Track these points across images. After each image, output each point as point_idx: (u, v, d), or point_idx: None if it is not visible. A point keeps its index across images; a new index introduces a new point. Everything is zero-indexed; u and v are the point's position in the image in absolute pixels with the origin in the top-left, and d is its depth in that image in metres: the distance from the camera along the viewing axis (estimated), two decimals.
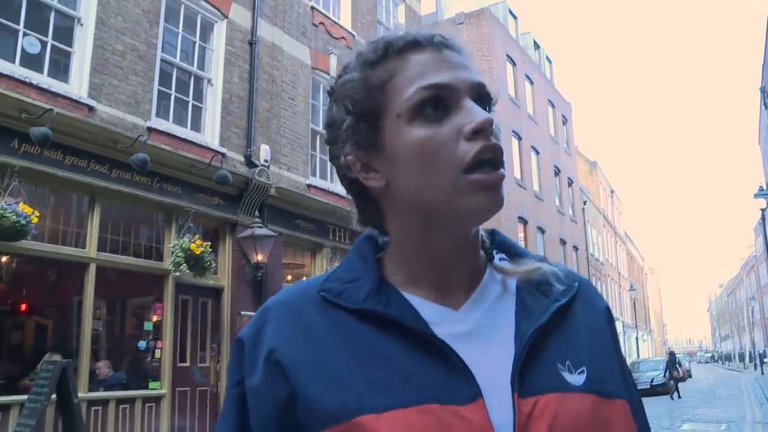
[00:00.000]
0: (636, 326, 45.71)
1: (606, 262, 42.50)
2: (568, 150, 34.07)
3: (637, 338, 46.33)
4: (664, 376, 25.70)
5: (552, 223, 28.71)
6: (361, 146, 0.86)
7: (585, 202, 35.82)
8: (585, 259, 34.06)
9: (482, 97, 0.85)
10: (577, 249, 32.89)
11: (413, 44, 0.86)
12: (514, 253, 0.94)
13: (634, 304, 45.66)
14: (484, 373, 0.78)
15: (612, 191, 51.78)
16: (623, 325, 45.16)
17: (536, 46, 32.34)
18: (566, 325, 0.86)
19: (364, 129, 0.85)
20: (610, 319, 0.94)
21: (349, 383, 0.77)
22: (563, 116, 33.77)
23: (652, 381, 25.95)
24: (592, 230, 38.06)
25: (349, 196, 0.94)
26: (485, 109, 0.84)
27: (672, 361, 25.22)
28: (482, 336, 0.82)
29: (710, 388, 30.25)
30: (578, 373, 0.81)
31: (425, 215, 0.83)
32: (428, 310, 0.83)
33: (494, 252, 0.94)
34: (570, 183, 33.23)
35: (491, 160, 0.80)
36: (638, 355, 43.44)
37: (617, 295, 45.72)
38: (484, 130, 0.80)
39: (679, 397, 23.71)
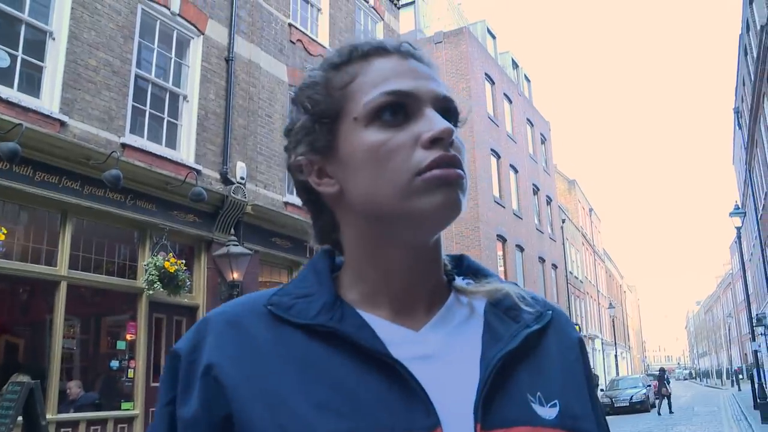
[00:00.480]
0: (615, 344, 45.86)
1: (585, 279, 42.70)
2: (547, 168, 34.31)
3: (616, 356, 46.48)
4: (656, 394, 25.86)
5: (531, 242, 28.81)
6: (315, 149, 0.82)
7: (564, 221, 36.03)
8: (564, 277, 34.20)
9: (448, 111, 0.81)
10: (556, 267, 33.02)
11: (379, 49, 0.83)
12: (482, 276, 0.89)
13: (613, 321, 45.86)
14: (444, 401, 0.72)
15: (591, 209, 52.17)
16: (602, 343, 45.34)
17: (515, 65, 32.63)
18: (538, 354, 0.81)
19: (320, 131, 0.82)
20: (584, 352, 0.89)
21: (294, 407, 0.71)
22: (542, 135, 34.04)
23: (631, 398, 26.08)
24: (571, 248, 38.26)
25: (305, 207, 0.89)
26: (452, 126, 0.80)
27: (661, 378, 25.36)
28: (444, 360, 0.76)
29: (689, 405, 30.37)
30: (550, 407, 0.76)
31: (379, 222, 0.78)
32: (385, 329, 0.77)
33: (456, 274, 0.89)
34: (549, 201, 33.42)
35: (448, 167, 0.76)
36: (617, 372, 43.55)
37: (596, 312, 45.91)
38: (443, 140, 0.75)
39: (671, 412, 23.87)
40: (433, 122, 0.76)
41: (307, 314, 0.76)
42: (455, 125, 0.82)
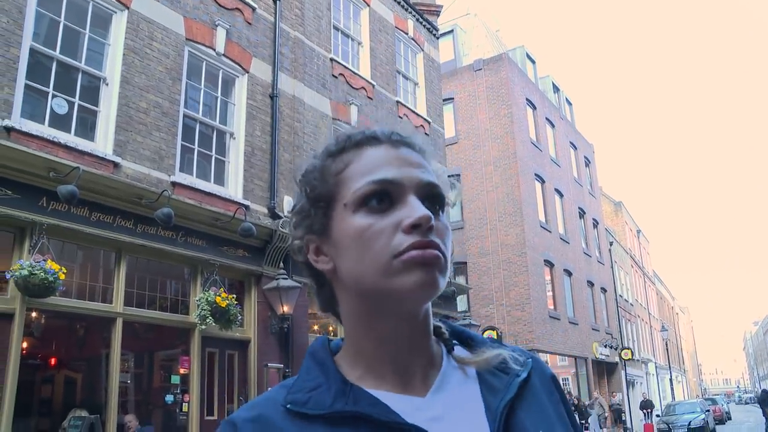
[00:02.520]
0: (669, 367, 44.75)
1: (635, 302, 41.86)
2: (592, 191, 33.94)
3: (671, 379, 45.27)
4: (764, 414, 25.67)
5: (579, 266, 28.45)
6: (313, 231, 0.91)
7: (611, 243, 35.49)
8: (614, 301, 33.60)
9: (433, 197, 0.88)
10: (605, 291, 32.48)
11: (371, 139, 0.91)
12: (466, 339, 0.98)
13: (666, 344, 44.75)
14: None
15: (638, 231, 51.28)
16: (656, 367, 44.25)
17: (555, 88, 32.52)
18: (530, 398, 0.90)
19: (315, 215, 0.91)
20: (557, 385, 0.98)
21: None
22: (586, 158, 33.74)
23: (689, 424, 25.28)
24: (619, 271, 37.61)
25: (309, 281, 0.98)
26: (434, 209, 0.87)
27: (764, 400, 25.45)
28: (453, 418, 0.84)
29: None
30: None
31: (367, 298, 0.86)
32: (396, 401, 0.84)
33: (453, 341, 0.96)
34: (595, 224, 33.00)
35: (425, 248, 0.83)
36: (673, 397, 42.37)
37: (648, 335, 44.89)
38: (421, 226, 0.82)
39: None
40: (413, 209, 0.83)
41: (324, 404, 0.84)
42: (441, 209, 0.89)
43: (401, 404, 0.84)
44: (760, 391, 34.63)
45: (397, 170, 0.87)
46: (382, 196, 0.85)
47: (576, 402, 22.20)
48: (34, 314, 8.14)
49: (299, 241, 0.93)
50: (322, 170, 0.92)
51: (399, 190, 0.86)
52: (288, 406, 0.85)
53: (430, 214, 0.84)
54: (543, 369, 0.97)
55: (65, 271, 7.47)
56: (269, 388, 0.91)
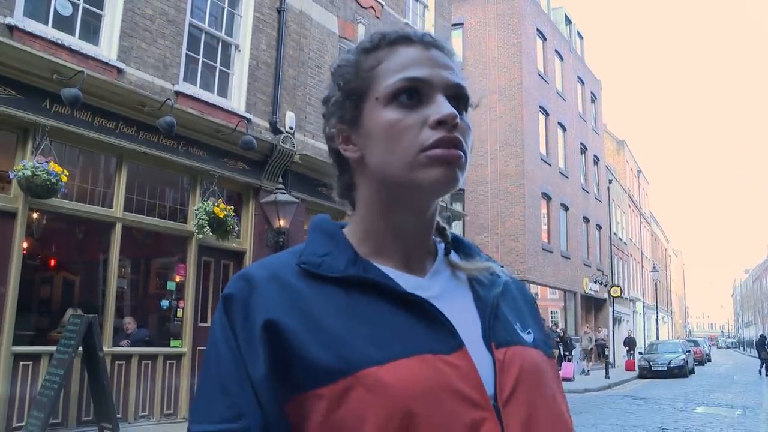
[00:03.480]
0: (657, 308, 45.45)
1: (629, 242, 42.23)
2: (596, 128, 33.77)
3: (657, 320, 46.06)
4: (760, 357, 28.53)
5: (576, 201, 28.59)
6: (344, 121, 0.98)
7: (611, 181, 35.53)
8: (608, 238, 33.91)
9: (459, 97, 0.94)
10: (601, 228, 32.73)
11: (404, 38, 0.96)
12: (463, 247, 1.06)
13: (656, 285, 45.30)
14: (459, 329, 0.89)
15: (639, 171, 51.25)
16: (644, 306, 45.04)
17: (568, 21, 31.92)
18: (511, 298, 1.02)
19: (348, 106, 0.97)
20: (530, 296, 1.12)
21: (349, 341, 0.84)
22: (592, 93, 33.43)
23: (669, 363, 25.89)
24: (616, 210, 37.81)
25: (333, 165, 1.05)
26: (459, 109, 0.93)
27: (761, 344, 28.59)
28: (448, 299, 0.94)
29: (728, 373, 30.19)
30: (527, 333, 0.98)
31: (388, 188, 0.94)
32: (399, 278, 0.93)
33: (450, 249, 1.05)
34: (596, 161, 32.98)
35: (449, 147, 0.90)
36: (657, 336, 43.20)
37: (639, 275, 45.49)
38: (447, 123, 0.89)
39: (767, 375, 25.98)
40: (441, 107, 0.90)
41: (337, 269, 0.90)
42: (465, 110, 0.96)
43: (404, 280, 0.92)
44: (758, 336, 35.71)
45: (428, 69, 0.92)
46: (412, 93, 0.91)
47: (561, 334, 22.71)
48: (35, 215, 8.27)
49: (334, 129, 0.99)
50: (356, 65, 0.96)
51: (428, 88, 0.91)
52: (303, 265, 0.90)
53: (456, 112, 0.90)
54: (518, 282, 1.10)
55: (67, 173, 7.57)
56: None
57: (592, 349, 25.98)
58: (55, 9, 8.17)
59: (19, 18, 7.63)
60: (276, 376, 0.85)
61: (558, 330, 23.30)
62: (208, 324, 9.92)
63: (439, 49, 0.97)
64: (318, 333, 0.85)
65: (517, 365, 0.90)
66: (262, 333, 0.85)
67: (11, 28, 7.48)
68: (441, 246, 1.03)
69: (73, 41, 8.21)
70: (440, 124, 0.89)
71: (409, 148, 0.89)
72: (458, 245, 1.06)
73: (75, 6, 8.39)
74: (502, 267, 1.06)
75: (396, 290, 0.89)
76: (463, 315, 0.92)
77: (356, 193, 1.00)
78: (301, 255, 0.93)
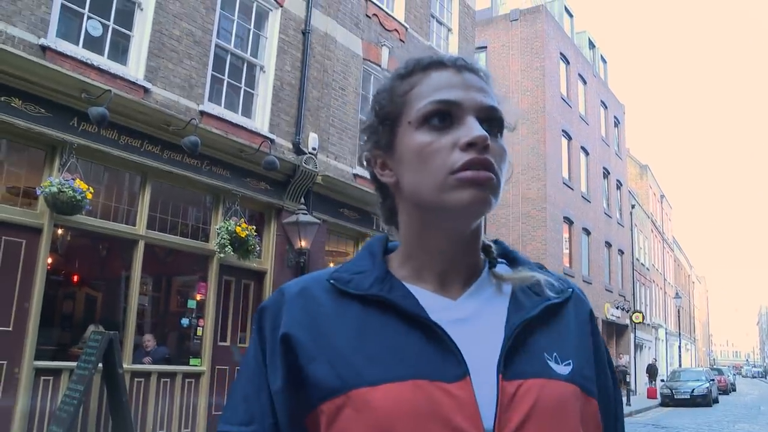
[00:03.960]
0: (680, 335, 44.86)
1: (652, 267, 41.79)
2: (619, 152, 33.59)
3: (679, 347, 45.45)
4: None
5: (598, 225, 28.39)
6: (379, 146, 0.99)
7: (633, 206, 35.27)
8: (630, 264, 33.58)
9: (492, 119, 0.94)
10: (623, 253, 32.44)
11: (437, 63, 0.97)
12: (512, 259, 1.05)
13: (679, 312, 44.79)
14: (473, 356, 0.87)
15: (662, 196, 50.82)
16: (666, 333, 44.40)
17: (591, 45, 31.92)
18: (558, 323, 0.96)
19: (383, 131, 0.98)
20: (592, 319, 1.03)
21: (350, 360, 0.87)
22: (615, 118, 33.30)
23: (692, 391, 25.48)
24: (639, 235, 37.47)
25: (376, 193, 1.07)
26: (494, 133, 0.93)
27: None
28: (475, 324, 0.92)
29: (754, 404, 29.58)
30: (565, 365, 0.91)
31: (421, 211, 0.94)
32: (428, 299, 0.93)
33: (497, 260, 1.03)
34: (619, 186, 32.77)
35: (479, 169, 0.90)
36: (680, 364, 42.59)
37: (662, 301, 44.93)
38: (477, 144, 0.89)
39: None
40: (471, 129, 0.90)
41: (362, 286, 0.93)
42: (500, 132, 0.95)
43: (432, 302, 0.92)
44: None
45: (459, 92, 0.93)
46: (444, 116, 0.91)
47: None
48: (60, 231, 8.38)
49: (368, 154, 1.01)
50: (391, 90, 0.98)
51: (459, 110, 0.92)
52: (331, 281, 0.95)
53: (486, 134, 0.90)
54: (583, 302, 1.02)
55: (92, 190, 7.66)
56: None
57: None
58: (86, 30, 8.32)
59: (52, 39, 7.78)
60: (293, 388, 0.90)
61: None
62: (228, 343, 9.95)
63: (474, 71, 0.97)
64: (326, 349, 0.89)
65: (531, 400, 0.85)
66: (280, 345, 0.91)
67: (44, 49, 7.63)
68: (488, 266, 1.01)
69: (102, 61, 8.35)
70: (470, 146, 0.89)
71: (438, 170, 0.89)
72: (509, 257, 1.05)
73: (105, 27, 8.55)
74: (558, 281, 1.01)
75: (409, 312, 0.89)
76: (486, 341, 0.90)
77: (398, 217, 1.01)
78: (336, 271, 0.97)
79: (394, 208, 1.02)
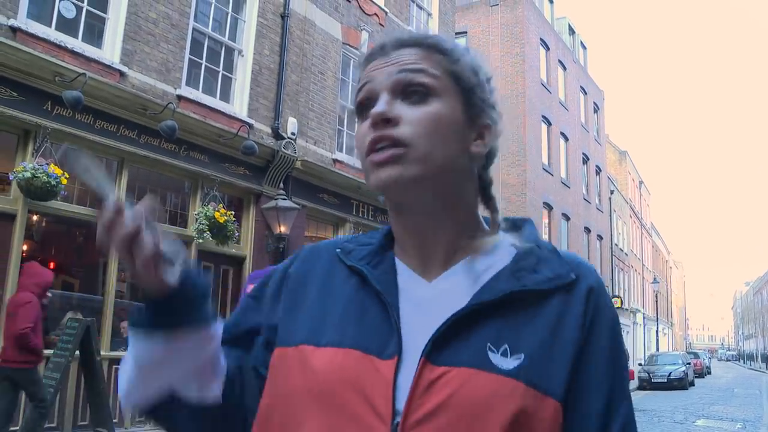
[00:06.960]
0: (657, 319, 45.41)
1: (630, 252, 42.18)
2: (598, 138, 33.77)
3: (657, 331, 46.03)
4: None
5: (577, 211, 28.56)
6: None
7: (612, 192, 35.53)
8: (609, 249, 33.87)
9: (408, 85, 0.91)
10: (602, 238, 32.69)
11: (369, 56, 0.98)
12: (522, 234, 0.99)
13: (656, 296, 45.30)
14: (413, 337, 0.86)
15: (641, 182, 51.26)
16: (644, 318, 44.91)
17: (571, 31, 31.96)
18: (528, 311, 0.87)
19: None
20: (597, 314, 0.90)
21: (312, 319, 0.93)
22: (595, 104, 33.45)
23: (669, 375, 25.82)
24: (618, 220, 37.78)
25: None
26: (413, 99, 0.90)
27: None
28: (435, 306, 0.89)
29: (728, 386, 30.06)
30: (513, 358, 0.83)
31: None
32: (407, 276, 0.95)
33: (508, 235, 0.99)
34: (598, 171, 32.97)
35: (382, 145, 0.89)
36: (657, 348, 43.18)
37: (640, 286, 45.39)
38: (377, 124, 0.90)
39: None
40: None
41: (355, 258, 0.97)
42: (428, 96, 0.91)
43: (410, 281, 0.94)
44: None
45: (374, 74, 0.94)
46: (366, 103, 0.94)
47: None
48: (35, 217, 8.24)
49: None
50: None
51: (375, 93, 0.93)
52: (337, 249, 1.00)
53: (381, 109, 0.89)
54: (590, 293, 0.90)
55: (67, 176, 7.54)
56: None
57: None
58: (58, 11, 8.16)
59: (22, 20, 7.62)
60: (273, 329, 0.97)
61: None
62: None
63: (401, 46, 0.95)
64: (299, 303, 0.96)
65: (449, 389, 0.81)
66: (280, 283, 1.02)
67: (14, 30, 7.47)
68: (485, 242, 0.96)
69: (76, 43, 8.20)
70: (374, 125, 0.90)
71: (362, 156, 0.93)
72: (517, 229, 1.01)
73: (78, 9, 8.39)
74: (560, 265, 0.91)
75: (376, 288, 0.92)
76: (431, 325, 0.85)
77: None
78: (347, 240, 1.03)
79: None
